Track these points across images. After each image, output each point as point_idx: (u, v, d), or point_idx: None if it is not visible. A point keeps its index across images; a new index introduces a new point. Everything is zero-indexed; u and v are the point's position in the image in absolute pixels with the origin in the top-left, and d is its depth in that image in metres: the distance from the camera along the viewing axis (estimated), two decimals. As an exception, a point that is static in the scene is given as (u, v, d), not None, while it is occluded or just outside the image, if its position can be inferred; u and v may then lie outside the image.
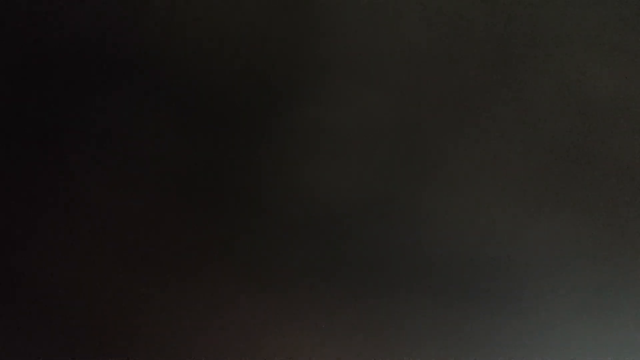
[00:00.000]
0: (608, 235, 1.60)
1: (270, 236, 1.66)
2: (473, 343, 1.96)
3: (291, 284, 1.79)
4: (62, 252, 1.73)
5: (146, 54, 1.30)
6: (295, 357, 2.05)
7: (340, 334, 1.96)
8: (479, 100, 1.35)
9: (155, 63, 1.32)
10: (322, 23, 1.25)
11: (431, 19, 1.24)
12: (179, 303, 1.88)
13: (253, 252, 1.71)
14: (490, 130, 1.40)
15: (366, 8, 1.23)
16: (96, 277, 1.80)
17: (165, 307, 1.90)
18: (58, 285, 1.83)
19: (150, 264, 1.76)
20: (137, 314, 1.92)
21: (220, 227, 1.65)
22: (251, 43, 1.28)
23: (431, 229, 1.62)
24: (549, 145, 1.42)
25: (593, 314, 1.82)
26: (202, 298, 1.86)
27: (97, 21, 1.26)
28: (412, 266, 1.72)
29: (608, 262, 1.68)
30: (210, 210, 1.60)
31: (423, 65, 1.30)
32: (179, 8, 1.24)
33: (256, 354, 2.05)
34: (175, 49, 1.29)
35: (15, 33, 1.28)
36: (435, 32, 1.25)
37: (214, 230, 1.66)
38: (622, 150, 1.42)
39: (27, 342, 2.03)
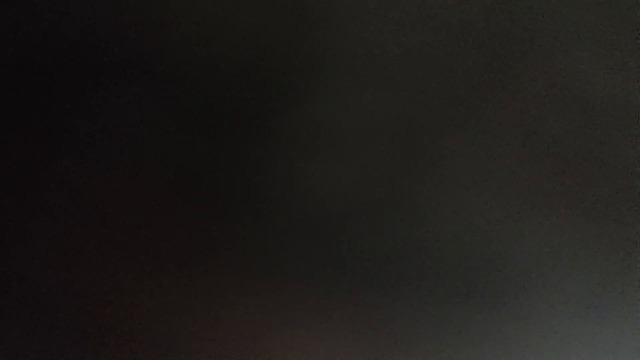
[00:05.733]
0: (608, 235, 1.60)
1: (270, 236, 1.66)
2: (473, 343, 1.96)
3: (291, 283, 1.79)
4: (62, 252, 1.73)
5: (146, 54, 1.30)
6: (295, 357, 2.05)
7: (339, 333, 1.96)
8: (478, 100, 1.35)
9: (155, 63, 1.32)
10: (322, 22, 1.25)
11: (431, 18, 1.24)
12: (179, 303, 1.88)
13: (253, 252, 1.71)
14: (490, 130, 1.40)
15: (366, 8, 1.23)
16: (96, 277, 1.80)
17: (165, 307, 1.90)
18: (58, 285, 1.83)
19: (149, 264, 1.76)
20: (136, 314, 1.92)
21: (220, 227, 1.65)
22: (251, 43, 1.28)
23: (431, 229, 1.62)
24: (548, 145, 1.42)
25: (593, 314, 1.82)
26: (202, 298, 1.86)
27: (97, 21, 1.26)
28: (412, 266, 1.72)
29: (608, 262, 1.68)
30: (209, 210, 1.61)
31: (423, 65, 1.30)
32: (179, 8, 1.24)
33: (256, 354, 2.05)
34: (175, 49, 1.29)
35: (15, 33, 1.28)
36: (435, 32, 1.25)
37: (213, 230, 1.66)
38: (621, 150, 1.42)
39: (27, 342, 2.03)
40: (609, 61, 1.27)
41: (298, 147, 1.45)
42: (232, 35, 1.27)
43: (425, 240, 1.65)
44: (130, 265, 1.77)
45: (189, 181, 1.54)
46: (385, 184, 1.52)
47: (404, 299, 1.82)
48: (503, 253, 1.67)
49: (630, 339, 1.88)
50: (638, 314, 1.80)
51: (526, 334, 1.91)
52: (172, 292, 1.85)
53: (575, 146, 1.42)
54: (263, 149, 1.46)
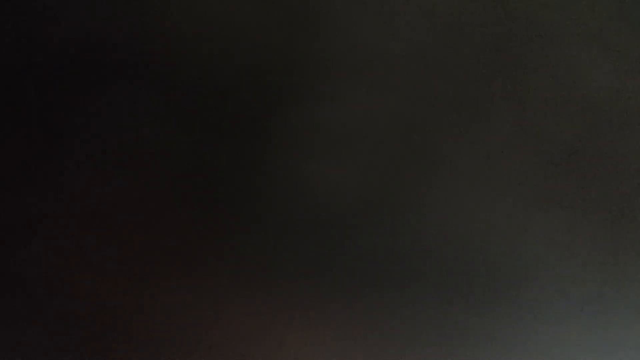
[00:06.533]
0: (608, 235, 1.60)
1: (270, 236, 1.66)
2: (473, 342, 1.96)
3: (291, 284, 1.80)
4: (62, 252, 1.73)
5: (146, 54, 1.30)
6: (296, 357, 2.05)
7: (339, 333, 1.96)
8: (479, 101, 1.35)
9: (155, 63, 1.32)
10: (323, 23, 1.25)
11: (431, 19, 1.24)
12: (179, 303, 1.88)
13: (253, 252, 1.71)
14: (490, 130, 1.40)
15: (366, 8, 1.23)
16: (96, 277, 1.80)
17: (165, 306, 1.90)
18: (57, 285, 1.83)
19: (149, 264, 1.76)
20: (137, 314, 1.92)
21: (220, 227, 1.65)
22: (251, 43, 1.28)
23: (431, 229, 1.62)
24: (548, 145, 1.42)
25: (593, 314, 1.82)
26: (202, 297, 1.86)
27: (97, 21, 1.26)
28: (412, 266, 1.72)
29: (608, 262, 1.68)
30: (209, 210, 1.61)
31: (423, 65, 1.30)
32: (179, 8, 1.24)
33: (255, 354, 2.05)
34: (175, 49, 1.29)
35: (15, 33, 1.28)
36: (435, 32, 1.25)
37: (213, 231, 1.66)
38: (622, 150, 1.42)
39: (27, 342, 2.03)
40: (611, 62, 1.27)
41: (298, 148, 1.45)
42: (232, 36, 1.27)
43: (425, 241, 1.65)
44: (130, 265, 1.77)
45: (189, 181, 1.54)
46: (385, 184, 1.52)
47: (404, 299, 1.82)
48: (503, 253, 1.67)
49: (630, 339, 1.88)
50: (638, 314, 1.80)
51: (526, 333, 1.91)
52: (172, 292, 1.85)
53: (577, 147, 1.42)
54: (263, 149, 1.46)
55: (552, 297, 1.78)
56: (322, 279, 1.78)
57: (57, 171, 1.53)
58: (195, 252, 1.73)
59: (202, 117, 1.40)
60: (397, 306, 1.85)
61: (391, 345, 2.00)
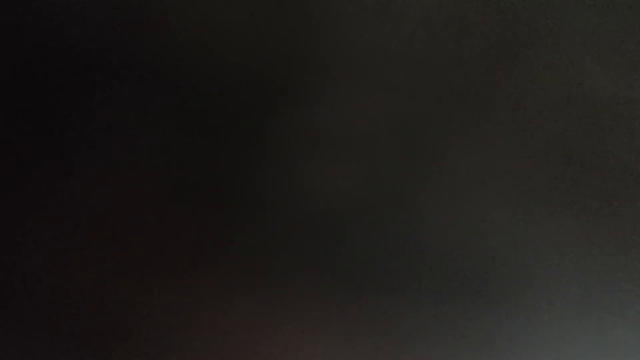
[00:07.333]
0: (608, 235, 1.61)
1: (270, 236, 1.66)
2: (472, 342, 1.96)
3: (291, 284, 1.80)
4: (62, 252, 1.73)
5: (146, 54, 1.30)
6: (296, 357, 2.05)
7: (340, 334, 1.96)
8: (479, 101, 1.35)
9: (155, 63, 1.32)
10: (322, 23, 1.25)
11: (431, 19, 1.24)
12: (179, 303, 1.89)
13: (253, 252, 1.72)
14: (490, 130, 1.40)
15: (367, 9, 1.23)
16: (95, 278, 1.80)
17: (165, 307, 1.90)
18: (57, 285, 1.83)
19: (149, 264, 1.76)
20: (136, 315, 1.92)
21: (220, 227, 1.65)
22: (251, 43, 1.28)
23: (431, 229, 1.62)
24: (548, 146, 1.42)
25: (593, 314, 1.82)
26: (202, 298, 1.86)
27: (98, 21, 1.26)
28: (412, 266, 1.72)
29: (608, 262, 1.68)
30: (210, 211, 1.61)
31: (423, 66, 1.30)
32: (179, 8, 1.24)
33: (255, 354, 2.05)
34: (175, 49, 1.29)
35: (16, 33, 1.28)
36: (436, 33, 1.25)
37: (213, 231, 1.66)
38: (622, 151, 1.42)
39: (27, 342, 2.03)
40: (611, 63, 1.28)
41: (299, 148, 1.45)
42: (232, 36, 1.27)
43: (425, 241, 1.65)
44: (130, 265, 1.77)
45: (189, 181, 1.54)
46: (386, 184, 1.52)
47: (404, 300, 1.82)
48: (504, 254, 1.67)
49: (630, 339, 1.88)
50: (638, 313, 1.80)
51: (526, 333, 1.91)
52: (172, 292, 1.85)
53: (576, 147, 1.42)
54: (264, 149, 1.46)
55: (552, 297, 1.78)
56: (322, 279, 1.78)
57: (57, 171, 1.53)
58: (195, 252, 1.73)
59: (202, 117, 1.40)
60: (397, 306, 1.85)
61: (391, 345, 2.00)
